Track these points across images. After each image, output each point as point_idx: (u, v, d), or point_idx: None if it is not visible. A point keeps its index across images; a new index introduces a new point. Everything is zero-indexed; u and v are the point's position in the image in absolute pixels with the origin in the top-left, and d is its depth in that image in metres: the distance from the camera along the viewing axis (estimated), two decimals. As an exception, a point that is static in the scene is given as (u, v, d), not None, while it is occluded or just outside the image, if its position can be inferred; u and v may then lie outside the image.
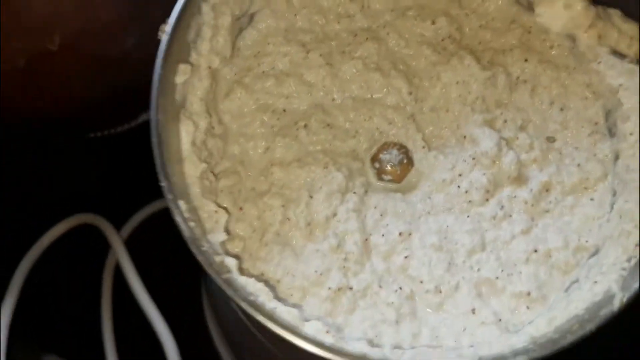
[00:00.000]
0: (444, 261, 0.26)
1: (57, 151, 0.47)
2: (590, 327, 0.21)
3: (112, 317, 0.43)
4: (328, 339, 0.23)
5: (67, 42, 0.37)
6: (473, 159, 0.27)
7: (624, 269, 0.23)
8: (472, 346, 0.24)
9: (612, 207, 0.25)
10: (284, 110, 0.29)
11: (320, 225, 0.27)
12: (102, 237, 0.45)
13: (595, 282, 0.23)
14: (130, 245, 0.44)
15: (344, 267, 0.27)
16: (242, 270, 0.26)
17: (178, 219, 0.24)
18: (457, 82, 0.28)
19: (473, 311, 0.25)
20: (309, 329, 0.24)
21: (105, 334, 0.42)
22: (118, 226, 0.45)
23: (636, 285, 0.22)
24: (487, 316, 0.25)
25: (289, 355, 0.32)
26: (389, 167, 0.28)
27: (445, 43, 0.29)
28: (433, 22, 0.29)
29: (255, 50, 0.29)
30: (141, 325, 0.42)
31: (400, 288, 0.26)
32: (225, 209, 0.27)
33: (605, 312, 0.22)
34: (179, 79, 0.26)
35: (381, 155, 0.29)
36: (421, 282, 0.26)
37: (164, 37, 0.24)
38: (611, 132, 0.26)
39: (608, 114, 0.26)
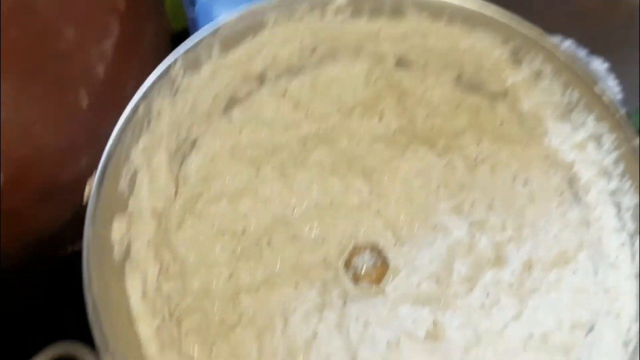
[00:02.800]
0: None
1: (26, 273, 0.48)
2: None
3: None
4: None
5: (12, 179, 0.39)
6: (448, 249, 0.30)
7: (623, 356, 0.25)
8: None
9: (595, 278, 0.28)
10: (244, 232, 0.31)
11: (301, 351, 0.29)
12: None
13: (594, 362, 0.26)
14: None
15: None
16: None
17: None
18: (417, 173, 0.31)
19: None
20: None
21: None
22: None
23: None
24: None
25: None
26: (363, 272, 0.31)
27: (396, 136, 0.32)
28: (380, 119, 0.32)
29: (203, 175, 0.31)
30: None
31: None
32: (189, 358, 0.28)
33: None
34: (115, 235, 0.27)
35: (353, 260, 0.31)
36: None
37: (91, 196, 0.26)
38: (577, 199, 0.29)
39: (571, 182, 0.29)
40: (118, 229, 0.27)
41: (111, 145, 0.26)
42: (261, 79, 0.32)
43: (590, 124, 0.27)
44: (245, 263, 0.30)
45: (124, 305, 0.27)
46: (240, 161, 0.32)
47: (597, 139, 0.27)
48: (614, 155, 0.26)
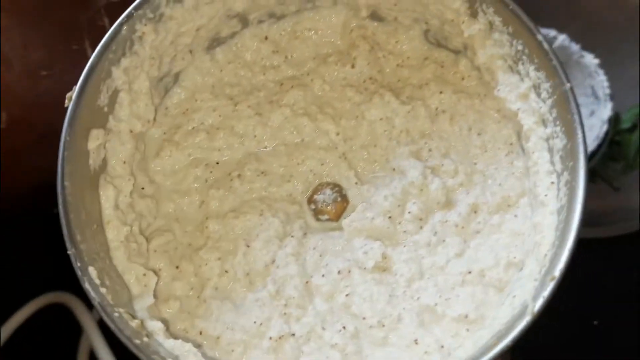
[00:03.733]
0: (384, 294, 0.31)
1: (22, 227, 0.51)
2: (507, 341, 0.26)
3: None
4: None
5: (15, 118, 0.43)
6: (402, 189, 0.33)
7: (536, 280, 0.27)
8: None
9: (531, 221, 0.30)
10: (217, 163, 0.35)
11: (259, 274, 0.32)
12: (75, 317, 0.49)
13: (514, 295, 0.28)
14: (105, 325, 0.48)
15: (285, 313, 0.31)
16: (173, 333, 0.30)
17: (87, 286, 0.27)
18: (381, 119, 0.34)
19: (416, 341, 0.30)
20: None
21: None
22: (91, 304, 0.49)
23: (545, 294, 0.26)
24: (430, 344, 0.30)
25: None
26: (324, 207, 0.34)
27: (366, 84, 0.35)
28: (353, 66, 0.35)
29: (184, 108, 0.35)
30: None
31: (344, 327, 0.31)
32: (154, 271, 0.31)
33: (519, 324, 0.26)
34: (91, 144, 0.30)
35: (315, 197, 0.34)
36: (364, 318, 0.31)
37: (70, 104, 0.29)
38: (524, 150, 0.32)
39: (518, 133, 0.32)
40: (95, 139, 0.30)
41: (94, 59, 0.29)
42: (244, 22, 0.35)
43: (532, 74, 0.30)
44: (216, 192, 0.34)
45: (95, 212, 0.30)
46: (219, 98, 0.35)
47: (537, 88, 0.30)
48: (550, 102, 0.29)
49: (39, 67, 0.43)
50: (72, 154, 0.29)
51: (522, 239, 0.31)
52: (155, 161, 0.34)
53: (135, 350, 0.27)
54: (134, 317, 0.28)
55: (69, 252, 0.27)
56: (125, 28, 0.30)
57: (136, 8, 0.30)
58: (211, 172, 0.35)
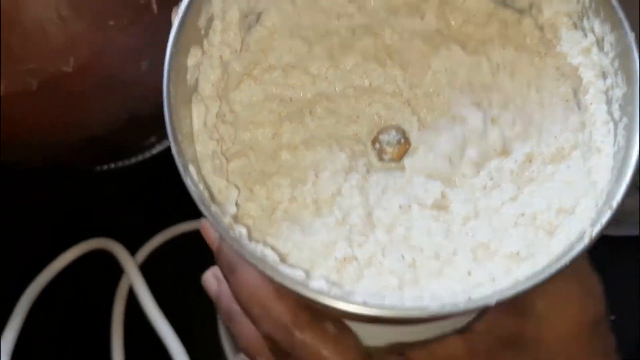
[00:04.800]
0: (441, 229, 0.34)
1: (72, 178, 0.55)
2: (565, 261, 0.30)
3: (124, 345, 0.50)
4: (334, 291, 0.31)
5: (82, 63, 0.46)
6: (463, 135, 0.37)
7: (592, 211, 0.31)
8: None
9: (584, 171, 0.34)
10: (291, 99, 0.38)
11: (326, 202, 0.35)
12: (115, 264, 0.52)
13: (570, 228, 0.32)
14: (145, 272, 0.52)
15: (349, 238, 0.34)
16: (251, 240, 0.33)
17: (188, 181, 0.30)
18: (446, 69, 0.37)
19: (469, 273, 0.33)
20: (315, 284, 0.31)
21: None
22: (132, 253, 0.53)
23: (603, 220, 0.29)
24: (483, 277, 0.33)
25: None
26: (388, 147, 0.37)
27: (433, 36, 0.39)
28: (422, 18, 0.39)
29: (263, 46, 0.38)
30: (154, 354, 0.49)
31: (403, 257, 0.34)
32: (235, 185, 0.35)
33: (577, 247, 0.30)
34: (190, 60, 0.34)
35: (380, 137, 0.37)
36: (422, 250, 0.34)
37: (176, 19, 0.32)
38: (579, 106, 0.35)
39: (576, 91, 0.36)
40: (194, 56, 0.34)
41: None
42: (323, -29, 0.39)
43: (597, 28, 0.33)
44: (288, 125, 0.37)
45: (187, 125, 0.34)
46: (296, 39, 0.38)
47: (600, 41, 0.33)
48: (612, 54, 0.32)
49: (106, 17, 0.46)
50: (175, 65, 0.32)
51: (574, 187, 0.34)
52: (235, 92, 0.38)
53: (231, 241, 0.30)
54: (225, 216, 0.32)
55: (172, 149, 0.30)
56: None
57: None
58: (285, 107, 0.38)
